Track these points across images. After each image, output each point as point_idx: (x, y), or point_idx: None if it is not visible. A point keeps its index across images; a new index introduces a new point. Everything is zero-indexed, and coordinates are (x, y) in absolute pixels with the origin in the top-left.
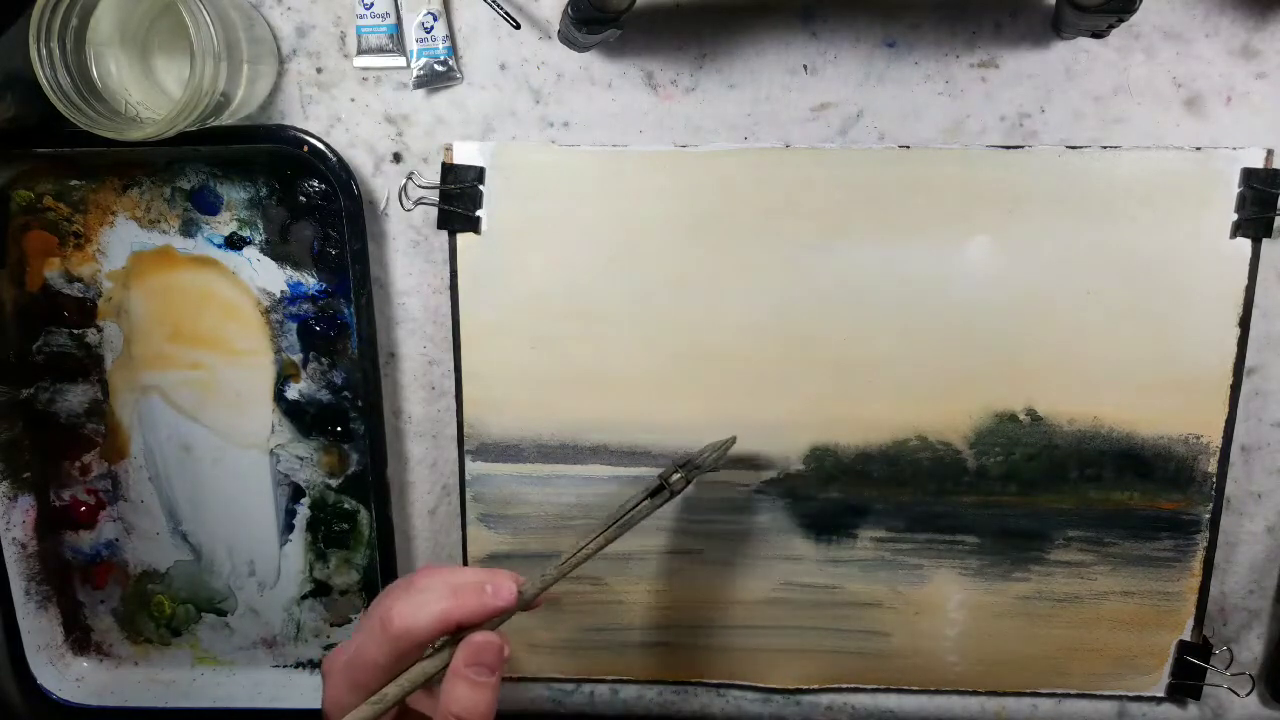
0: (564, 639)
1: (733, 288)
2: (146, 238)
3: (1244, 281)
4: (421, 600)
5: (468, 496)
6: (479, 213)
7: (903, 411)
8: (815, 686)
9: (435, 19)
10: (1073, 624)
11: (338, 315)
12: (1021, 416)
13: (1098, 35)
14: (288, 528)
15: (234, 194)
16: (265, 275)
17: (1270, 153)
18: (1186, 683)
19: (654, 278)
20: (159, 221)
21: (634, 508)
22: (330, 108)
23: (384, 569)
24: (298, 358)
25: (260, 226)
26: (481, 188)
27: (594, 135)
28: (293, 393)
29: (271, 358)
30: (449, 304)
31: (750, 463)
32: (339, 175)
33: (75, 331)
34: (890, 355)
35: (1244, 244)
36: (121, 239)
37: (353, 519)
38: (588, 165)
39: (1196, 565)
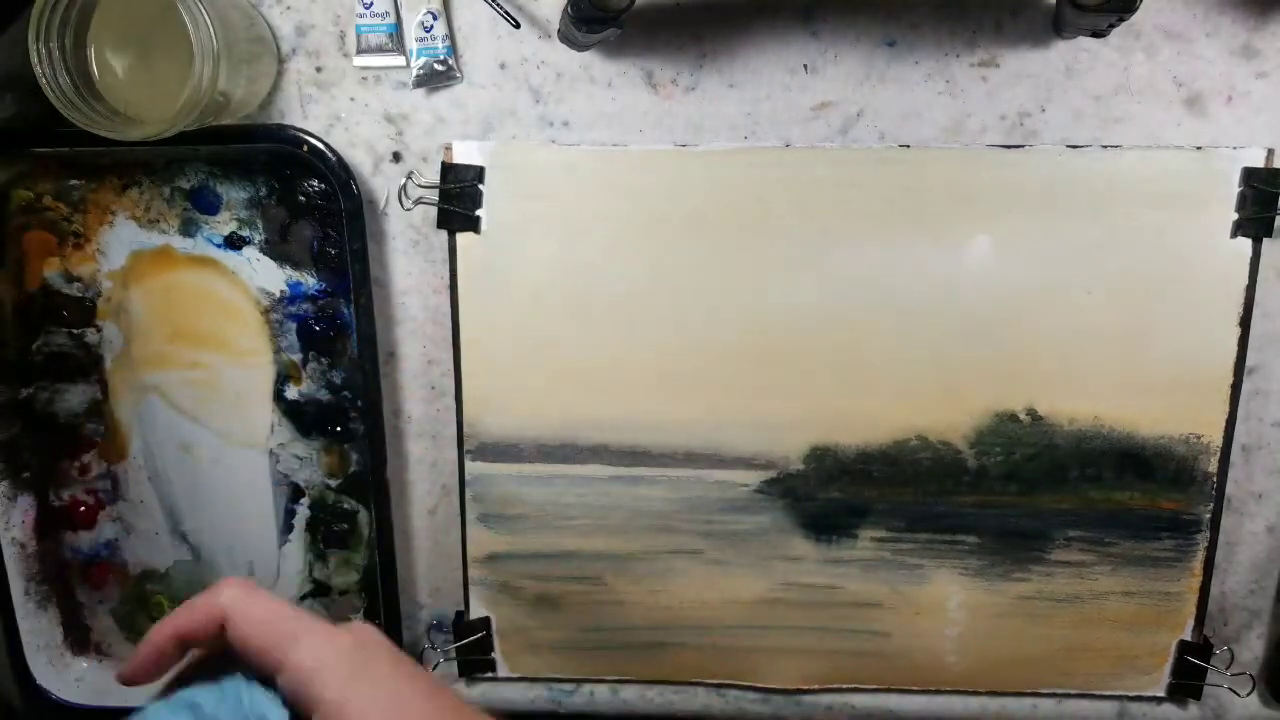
0: (564, 639)
1: (733, 287)
2: (146, 237)
3: (1244, 281)
4: None
5: (467, 496)
6: (479, 212)
7: (903, 411)
8: (815, 686)
9: (435, 18)
10: (1073, 624)
11: (337, 315)
12: (1022, 416)
13: (1098, 35)
14: (287, 528)
15: (233, 194)
16: (265, 275)
17: (1270, 152)
18: (1187, 683)
19: (654, 277)
20: (158, 221)
21: None
22: (330, 107)
23: (384, 569)
24: (297, 357)
25: (260, 226)
26: (481, 187)
27: (594, 135)
28: (292, 392)
29: (271, 357)
30: (449, 304)
31: (750, 463)
32: (339, 175)
33: (75, 331)
34: (890, 355)
35: (1244, 244)
36: (121, 239)
37: (352, 519)
38: (587, 165)
39: (1197, 565)
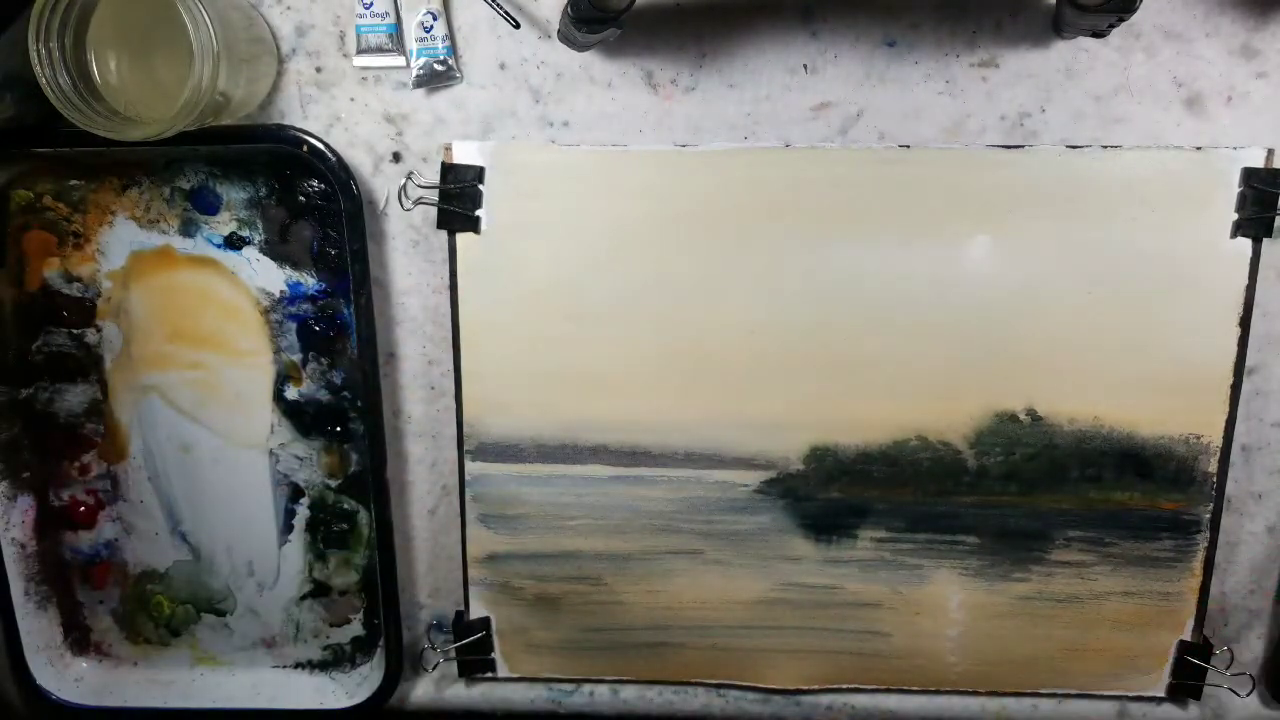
0: (564, 639)
1: (732, 287)
2: (146, 237)
3: (1244, 281)
4: None
5: (467, 496)
6: (478, 212)
7: (903, 411)
8: (815, 686)
9: (435, 18)
10: (1073, 624)
11: (337, 315)
12: (1022, 416)
13: (1098, 35)
14: (287, 528)
15: (233, 194)
16: (265, 275)
17: (1270, 152)
18: (1187, 683)
19: (654, 277)
20: (158, 221)
21: None
22: (330, 107)
23: (383, 569)
24: (297, 358)
25: (260, 226)
26: (481, 187)
27: (594, 135)
28: (292, 393)
29: (271, 358)
30: (449, 304)
31: (750, 463)
32: (338, 175)
33: (74, 331)
34: (890, 355)
35: (1244, 244)
36: (121, 239)
37: (352, 519)
38: (587, 165)
39: (1197, 565)
